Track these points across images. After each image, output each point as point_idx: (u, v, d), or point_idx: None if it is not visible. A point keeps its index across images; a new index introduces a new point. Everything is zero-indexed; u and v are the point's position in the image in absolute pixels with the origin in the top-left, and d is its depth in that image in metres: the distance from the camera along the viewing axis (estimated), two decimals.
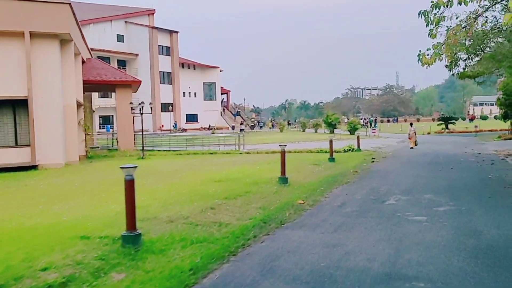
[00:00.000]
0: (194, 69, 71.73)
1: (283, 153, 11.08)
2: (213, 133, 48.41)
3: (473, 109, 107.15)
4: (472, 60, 13.86)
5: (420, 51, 16.45)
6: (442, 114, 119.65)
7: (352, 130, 44.06)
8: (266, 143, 32.46)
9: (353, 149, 21.98)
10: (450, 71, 14.74)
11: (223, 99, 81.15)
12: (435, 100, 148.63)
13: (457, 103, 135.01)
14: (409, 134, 27.15)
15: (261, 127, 73.85)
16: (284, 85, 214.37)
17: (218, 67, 74.64)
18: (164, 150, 24.82)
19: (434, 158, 18.10)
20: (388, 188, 10.09)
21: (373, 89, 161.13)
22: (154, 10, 69.85)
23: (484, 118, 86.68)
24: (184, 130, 66.12)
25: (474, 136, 37.73)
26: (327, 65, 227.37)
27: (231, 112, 79.05)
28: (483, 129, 46.96)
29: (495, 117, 35.32)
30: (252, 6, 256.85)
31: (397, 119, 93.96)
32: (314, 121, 55.15)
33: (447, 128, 48.06)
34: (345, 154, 20.84)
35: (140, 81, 23.78)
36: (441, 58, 16.28)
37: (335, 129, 48.06)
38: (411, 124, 32.54)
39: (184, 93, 69.18)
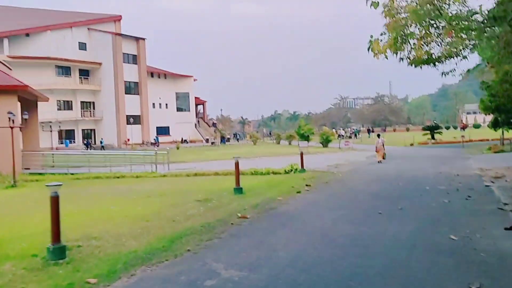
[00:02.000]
0: (165, 78, 66.98)
1: None
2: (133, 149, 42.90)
3: (466, 118, 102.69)
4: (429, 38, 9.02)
5: (371, 36, 11.67)
6: (434, 123, 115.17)
7: (325, 142, 39.14)
8: (213, 160, 27.46)
9: (296, 169, 16.97)
10: (396, 54, 9.83)
11: (199, 110, 76.37)
12: (427, 109, 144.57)
13: (450, 111, 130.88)
14: (376, 146, 23.22)
15: (237, 139, 68.80)
16: (274, 96, 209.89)
17: (192, 76, 69.91)
18: (60, 174, 19.70)
19: (390, 184, 13.14)
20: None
21: (365, 98, 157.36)
22: (120, 16, 65.29)
23: (477, 126, 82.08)
24: (154, 144, 61.18)
25: (462, 147, 32.84)
26: (319, 75, 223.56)
27: (207, 124, 74.17)
28: (473, 139, 42.13)
29: (488, 126, 31.13)
30: (240, 15, 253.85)
31: (385, 129, 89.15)
32: (288, 133, 50.21)
33: (433, 138, 43.23)
34: (280, 177, 15.89)
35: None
36: (402, 47, 11.50)
37: (309, 141, 43.17)
38: (378, 135, 27.94)
39: (154, 104, 64.31)
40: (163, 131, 64.60)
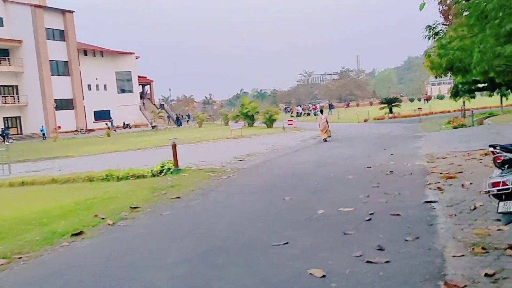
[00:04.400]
0: (102, 56, 59.92)
1: None
2: None
3: (431, 89, 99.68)
4: None
5: None
6: (401, 95, 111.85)
7: (269, 122, 34.02)
8: (111, 152, 21.94)
9: (168, 169, 11.67)
10: None
11: (147, 91, 69.82)
12: (394, 82, 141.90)
13: (416, 83, 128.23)
14: (319, 124, 20.68)
15: (187, 121, 63.08)
16: (239, 75, 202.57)
17: (133, 53, 63.08)
18: None
19: (278, 198, 7.99)
20: None
21: (333, 74, 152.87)
22: None
23: (441, 97, 78.90)
24: (91, 130, 54.83)
25: (418, 122, 28.31)
26: (287, 51, 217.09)
27: (155, 106, 67.80)
28: (433, 111, 37.88)
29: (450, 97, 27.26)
30: None
31: (348, 103, 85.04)
32: (233, 113, 44.75)
33: (391, 112, 38.72)
34: (138, 183, 10.68)
35: None
36: None
37: (254, 121, 38.05)
38: (321, 111, 23.50)
39: (89, 86, 57.52)
40: (102, 115, 58.12)
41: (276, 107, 66.81)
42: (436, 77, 11.69)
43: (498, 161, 4.56)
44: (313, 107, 67.01)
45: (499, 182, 4.25)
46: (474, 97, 25.14)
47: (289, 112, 66.53)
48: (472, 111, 22.78)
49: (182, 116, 64.99)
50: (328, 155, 14.30)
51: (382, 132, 22.87)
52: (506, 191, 4.19)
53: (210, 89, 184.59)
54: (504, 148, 5.70)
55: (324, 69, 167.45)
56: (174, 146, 11.83)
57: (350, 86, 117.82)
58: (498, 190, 4.26)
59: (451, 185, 7.70)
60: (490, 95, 28.09)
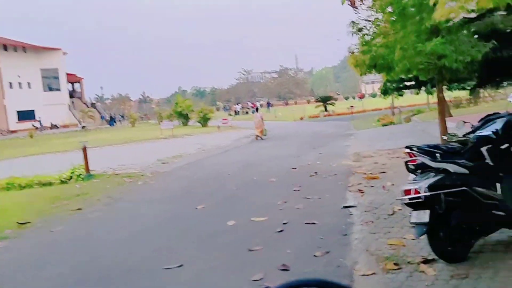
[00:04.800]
0: (25, 52, 55.74)
1: None
2: None
3: (365, 87, 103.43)
4: None
5: None
6: (338, 94, 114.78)
7: (203, 121, 33.11)
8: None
9: (79, 174, 10.50)
10: None
11: (76, 89, 65.98)
12: (330, 81, 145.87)
13: (351, 82, 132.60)
14: (254, 122, 20.74)
15: (119, 120, 60.42)
16: (178, 72, 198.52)
17: (60, 49, 59.23)
18: None
19: (187, 206, 7.25)
20: None
21: (272, 72, 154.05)
22: None
23: (373, 96, 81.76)
24: (13, 132, 50.75)
25: (351, 120, 28.74)
26: (227, 49, 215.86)
27: (86, 105, 64.23)
28: (366, 109, 38.86)
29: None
30: None
31: (287, 102, 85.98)
32: (167, 112, 43.27)
33: (326, 110, 39.22)
34: (39, 192, 9.43)
35: None
36: None
37: (188, 120, 36.95)
38: (257, 109, 23.04)
39: (11, 84, 53.26)
40: (27, 115, 54.07)
41: (212, 105, 65.91)
42: (361, 74, 11.51)
43: (411, 164, 4.12)
44: (252, 105, 66.87)
45: (410, 189, 3.80)
46: (402, 95, 25.79)
47: (228, 110, 65.91)
48: (399, 109, 23.34)
49: (115, 116, 62.20)
50: (257, 156, 13.75)
51: (315, 130, 22.81)
52: (419, 200, 3.74)
53: (148, 88, 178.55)
54: (421, 150, 5.33)
55: (264, 67, 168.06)
56: (84, 150, 10.66)
57: (289, 85, 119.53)
58: (410, 199, 3.80)
59: (372, 186, 7.35)
60: (417, 93, 29.10)
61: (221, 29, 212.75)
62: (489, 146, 4.26)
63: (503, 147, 4.19)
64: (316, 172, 9.26)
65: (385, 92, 24.60)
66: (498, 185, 4.10)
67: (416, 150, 5.37)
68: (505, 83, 11.37)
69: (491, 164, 4.18)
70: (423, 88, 23.97)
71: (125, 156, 16.19)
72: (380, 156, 10.95)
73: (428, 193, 3.67)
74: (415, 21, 9.31)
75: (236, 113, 59.12)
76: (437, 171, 3.88)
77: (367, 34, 10.22)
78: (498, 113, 4.58)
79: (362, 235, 4.83)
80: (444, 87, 22.07)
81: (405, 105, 32.22)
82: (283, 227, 5.39)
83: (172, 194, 8.44)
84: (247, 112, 60.12)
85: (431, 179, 3.79)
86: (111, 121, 56.69)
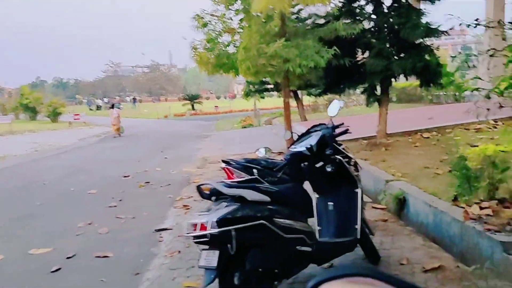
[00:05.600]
0: None
1: None
2: None
3: (237, 88, 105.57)
4: None
5: None
6: (211, 93, 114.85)
7: (53, 116, 29.50)
8: None
9: None
10: None
11: None
12: (204, 79, 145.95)
13: (225, 81, 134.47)
14: (111, 119, 20.16)
15: None
16: (36, 62, 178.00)
17: None
18: None
19: None
20: None
21: (144, 67, 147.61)
22: None
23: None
24: None
25: (216, 120, 28.29)
26: (95, 41, 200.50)
27: None
28: (233, 109, 39.00)
29: None
30: None
31: (158, 98, 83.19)
32: (12, 104, 37.71)
33: (193, 109, 38.34)
34: None
35: None
36: None
37: (36, 114, 32.71)
38: (112, 106, 21.79)
39: None
40: None
41: (70, 99, 60.22)
42: (208, 74, 10.69)
43: (204, 191, 3.25)
44: (117, 100, 62.75)
45: (196, 224, 2.90)
46: (263, 97, 26.07)
47: (92, 104, 60.79)
48: (259, 111, 23.56)
49: None
50: (94, 159, 12.06)
51: (174, 130, 21.66)
52: (205, 239, 2.86)
53: (3, 75, 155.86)
54: (239, 165, 4.55)
55: (137, 62, 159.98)
56: None
57: (160, 81, 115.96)
58: (195, 237, 2.90)
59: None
60: (279, 96, 29.86)
61: (94, 21, 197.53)
62: (305, 163, 3.63)
63: (318, 165, 3.58)
64: (148, 182, 8.10)
65: (247, 94, 24.54)
66: (315, 211, 3.49)
67: (234, 165, 4.57)
68: (348, 90, 11.61)
69: (301, 187, 3.55)
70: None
71: None
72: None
73: (215, 230, 2.80)
74: (260, 19, 8.80)
75: (98, 108, 54.77)
76: (234, 198, 3.06)
77: (213, 30, 9.45)
78: (324, 124, 4.00)
79: (159, 272, 3.84)
80: (305, 92, 22.95)
81: (270, 107, 33.00)
82: (65, 263, 4.15)
83: None
84: (112, 107, 56.02)
85: (221, 210, 2.94)
86: None
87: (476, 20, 3.51)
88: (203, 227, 2.84)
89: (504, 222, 3.86)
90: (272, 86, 22.33)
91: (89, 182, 8.36)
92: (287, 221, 3.08)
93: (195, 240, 2.95)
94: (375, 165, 6.42)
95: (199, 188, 3.22)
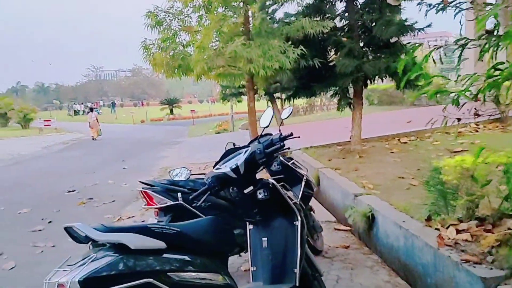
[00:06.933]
0: None
1: None
2: None
3: (218, 91, 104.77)
4: None
5: None
6: (194, 97, 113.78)
7: (24, 122, 28.24)
8: None
9: None
10: None
11: None
12: (188, 83, 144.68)
13: (208, 85, 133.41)
14: (89, 122, 20.80)
15: None
16: (20, 66, 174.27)
17: None
18: None
19: None
20: None
21: (127, 71, 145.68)
22: None
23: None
24: None
25: (192, 125, 27.41)
26: (74, 45, 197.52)
27: None
28: (213, 113, 38.21)
29: None
30: None
31: (142, 102, 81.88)
32: None
33: (172, 113, 37.36)
34: None
35: None
36: None
37: (8, 120, 31.39)
38: (91, 109, 21.95)
39: None
40: None
41: (49, 104, 58.58)
42: (167, 77, 9.77)
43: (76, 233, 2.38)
44: (95, 104, 61.30)
45: (58, 282, 2.03)
46: (240, 101, 25.31)
47: (70, 110, 59.24)
48: (233, 115, 22.81)
49: None
50: (45, 171, 11.04)
51: (145, 136, 20.72)
52: None
53: None
54: (161, 187, 3.69)
55: (119, 66, 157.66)
56: None
57: (143, 85, 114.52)
58: None
59: (147, 216, 5.62)
60: (258, 99, 29.09)
61: (79, 23, 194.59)
62: (233, 188, 2.76)
63: (246, 191, 2.72)
64: (91, 198, 7.17)
65: (223, 97, 23.73)
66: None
67: (153, 188, 3.70)
68: (318, 93, 10.86)
69: (219, 221, 2.70)
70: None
71: None
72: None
73: None
74: (218, 16, 7.98)
75: (76, 113, 53.31)
76: (114, 246, 2.19)
77: (168, 29, 8.59)
78: (270, 134, 3.16)
79: None
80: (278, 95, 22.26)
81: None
82: None
83: None
84: (92, 110, 54.56)
85: (90, 264, 2.07)
86: None
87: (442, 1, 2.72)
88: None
89: (484, 250, 3.09)
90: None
91: (25, 199, 7.40)
92: (191, 275, 2.22)
93: None
94: (345, 175, 5.62)
95: (67, 230, 2.31)
